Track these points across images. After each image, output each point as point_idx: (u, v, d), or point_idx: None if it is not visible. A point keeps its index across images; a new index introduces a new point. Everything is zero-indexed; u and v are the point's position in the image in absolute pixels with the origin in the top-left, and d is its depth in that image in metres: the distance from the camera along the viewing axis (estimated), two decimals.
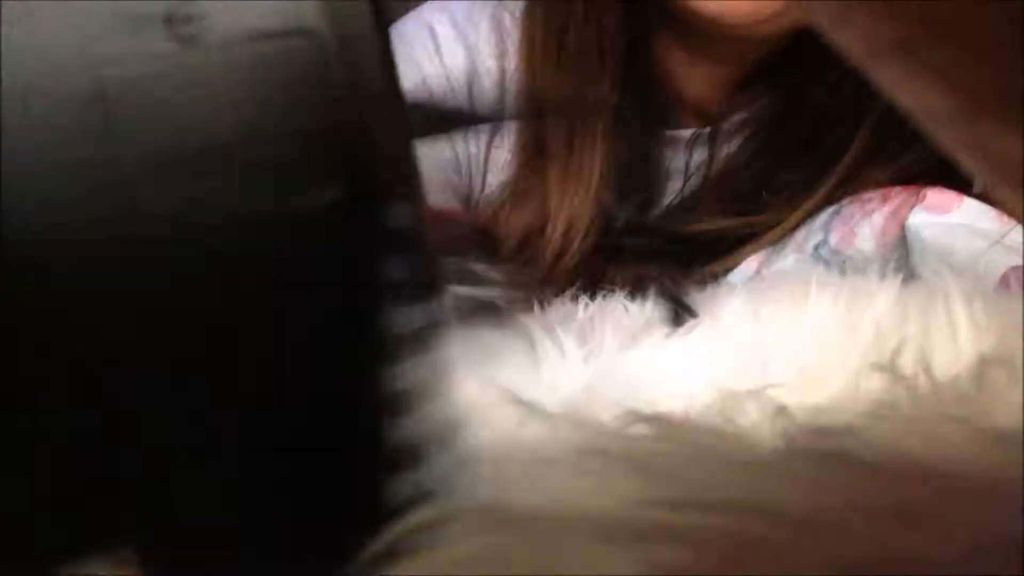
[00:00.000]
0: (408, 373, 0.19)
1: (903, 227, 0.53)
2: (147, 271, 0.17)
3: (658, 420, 0.23)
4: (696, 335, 0.39)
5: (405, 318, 0.19)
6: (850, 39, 0.17)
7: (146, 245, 0.17)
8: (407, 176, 0.19)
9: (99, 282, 0.17)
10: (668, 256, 0.59)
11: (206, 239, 0.17)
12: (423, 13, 0.67)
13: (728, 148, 0.67)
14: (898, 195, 0.54)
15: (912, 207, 0.53)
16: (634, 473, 0.20)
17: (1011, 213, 0.51)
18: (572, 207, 0.62)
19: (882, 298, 0.36)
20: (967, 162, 0.18)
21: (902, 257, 0.53)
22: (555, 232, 0.63)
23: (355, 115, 0.18)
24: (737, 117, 0.67)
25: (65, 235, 0.17)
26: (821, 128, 0.63)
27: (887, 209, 0.54)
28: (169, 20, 0.17)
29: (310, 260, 0.18)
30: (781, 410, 0.26)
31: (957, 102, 0.16)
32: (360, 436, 0.19)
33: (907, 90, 0.17)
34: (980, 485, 0.19)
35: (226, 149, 0.17)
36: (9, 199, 0.17)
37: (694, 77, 0.67)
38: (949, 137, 0.17)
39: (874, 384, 0.27)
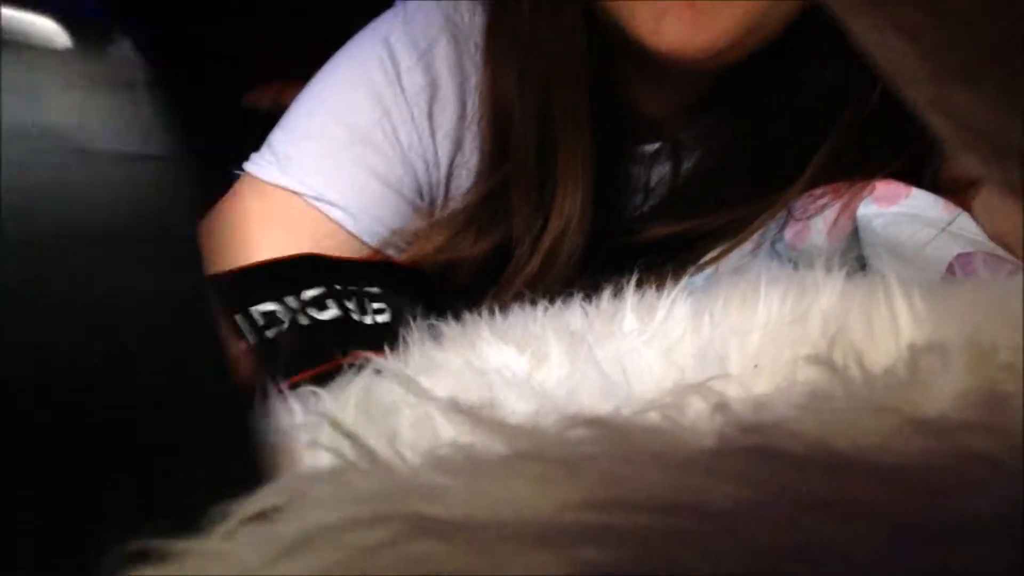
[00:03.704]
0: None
1: (855, 219, 0.53)
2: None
3: (597, 422, 0.24)
4: (651, 336, 0.39)
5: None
6: None
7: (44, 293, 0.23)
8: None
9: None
10: (628, 262, 0.59)
11: (94, 298, 0.23)
12: (380, 28, 0.67)
13: (686, 163, 0.69)
14: (848, 189, 0.55)
15: (862, 199, 0.54)
16: (568, 476, 0.21)
17: (959, 201, 0.52)
18: (561, 223, 0.62)
19: (827, 291, 0.37)
20: (932, 122, 0.18)
21: (855, 248, 0.53)
22: (532, 249, 0.63)
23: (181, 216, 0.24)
24: (693, 133, 0.69)
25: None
26: (772, 153, 0.64)
27: (839, 203, 0.55)
28: (57, 136, 0.23)
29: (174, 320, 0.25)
30: (722, 406, 0.26)
31: (923, 62, 0.16)
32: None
33: (878, 46, 0.17)
34: (904, 474, 0.20)
35: (107, 232, 0.23)
36: None
37: (651, 97, 0.68)
38: (917, 96, 0.17)
39: (812, 376, 0.28)
